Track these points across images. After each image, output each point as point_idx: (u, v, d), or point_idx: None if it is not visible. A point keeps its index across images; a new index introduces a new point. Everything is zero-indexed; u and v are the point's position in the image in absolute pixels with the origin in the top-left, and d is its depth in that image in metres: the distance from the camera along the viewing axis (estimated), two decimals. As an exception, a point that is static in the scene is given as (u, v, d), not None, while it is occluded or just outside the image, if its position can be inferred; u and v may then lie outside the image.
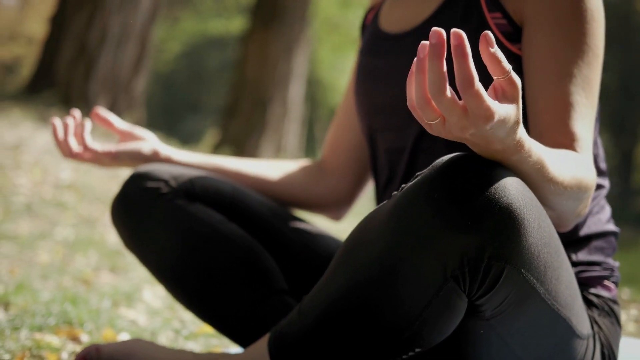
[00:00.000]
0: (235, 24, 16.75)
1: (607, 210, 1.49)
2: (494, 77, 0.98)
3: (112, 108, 7.25)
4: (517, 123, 1.02)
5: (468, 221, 1.06)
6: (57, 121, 1.54)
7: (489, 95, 0.98)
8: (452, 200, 1.06)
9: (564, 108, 1.32)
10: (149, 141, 1.58)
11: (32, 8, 21.38)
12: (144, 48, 7.65)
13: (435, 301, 1.12)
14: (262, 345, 1.29)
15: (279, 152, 8.82)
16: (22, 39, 20.50)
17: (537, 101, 1.34)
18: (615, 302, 1.44)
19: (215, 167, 1.60)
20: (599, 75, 1.37)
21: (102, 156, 1.53)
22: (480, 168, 1.07)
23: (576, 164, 1.24)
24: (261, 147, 8.66)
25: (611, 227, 1.47)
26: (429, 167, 1.11)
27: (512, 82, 0.98)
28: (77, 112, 1.57)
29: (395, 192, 1.15)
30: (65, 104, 6.87)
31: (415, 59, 0.95)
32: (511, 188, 1.07)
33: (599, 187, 1.47)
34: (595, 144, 1.46)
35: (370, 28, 1.62)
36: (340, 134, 1.69)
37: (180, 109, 23.09)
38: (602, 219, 1.46)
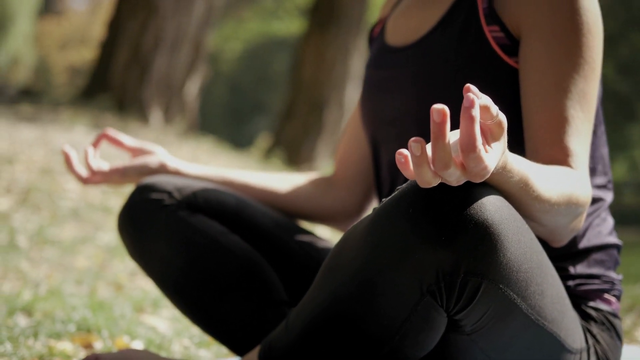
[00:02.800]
0: (296, 26, 16.85)
1: (609, 223, 1.48)
2: (483, 121, 0.97)
3: (166, 112, 7.35)
4: (502, 154, 1.01)
5: (442, 236, 1.06)
6: (69, 150, 1.58)
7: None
8: (427, 215, 1.06)
9: (559, 123, 1.31)
10: (157, 155, 1.61)
11: (102, 12, 21.81)
12: (197, 52, 7.73)
13: (414, 316, 1.12)
14: (253, 357, 1.31)
15: (335, 155, 8.84)
16: (92, 43, 20.93)
17: (532, 115, 1.34)
18: (615, 315, 1.42)
19: (224, 180, 1.62)
20: (596, 89, 1.36)
21: (111, 175, 1.57)
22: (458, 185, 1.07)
23: (567, 180, 1.23)
24: (317, 150, 8.69)
25: (613, 239, 1.46)
26: (407, 182, 1.11)
27: (500, 124, 0.97)
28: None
29: (375, 207, 1.16)
30: (120, 108, 6.98)
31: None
32: (488, 204, 1.07)
33: (599, 200, 1.45)
34: (593, 157, 1.45)
35: (377, 41, 1.63)
36: (349, 147, 1.70)
37: (245, 111, 23.31)
38: (602, 232, 1.45)
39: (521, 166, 1.10)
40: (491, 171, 0.95)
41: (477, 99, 0.92)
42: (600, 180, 1.47)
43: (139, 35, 7.29)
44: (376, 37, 1.65)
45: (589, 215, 1.43)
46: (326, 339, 1.18)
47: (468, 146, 0.91)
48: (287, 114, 9.05)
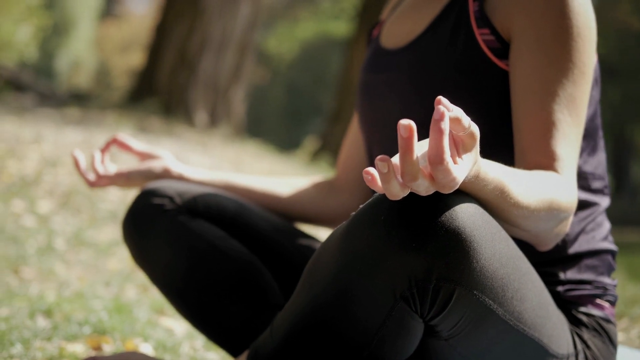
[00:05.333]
0: (351, 27, 16.86)
1: (605, 228, 1.46)
2: (455, 133, 0.98)
3: (212, 115, 7.39)
4: (474, 164, 1.02)
5: (413, 243, 1.06)
6: (78, 154, 1.63)
7: (449, 147, 0.98)
8: (398, 222, 1.07)
9: (546, 127, 1.31)
10: (162, 160, 1.64)
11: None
12: (243, 55, 7.77)
13: (389, 321, 1.13)
14: (242, 360, 1.33)
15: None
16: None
17: (520, 119, 1.34)
18: (608, 321, 1.42)
19: (227, 184, 1.64)
20: (586, 93, 1.34)
21: (116, 179, 1.62)
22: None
23: (547, 186, 1.23)
24: (364, 153, 8.67)
25: (607, 245, 1.45)
26: None
27: (472, 136, 0.97)
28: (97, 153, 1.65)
29: (353, 213, 1.17)
30: (166, 111, 7.03)
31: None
32: (460, 211, 1.07)
33: (594, 204, 1.45)
34: (589, 161, 1.44)
35: (373, 43, 1.64)
36: (351, 150, 1.71)
37: (303, 112, 23.38)
38: (596, 237, 1.44)
39: (496, 174, 1.10)
40: (460, 182, 0.95)
41: (448, 111, 0.92)
42: (597, 184, 1.46)
43: (186, 38, 7.36)
44: (374, 39, 1.66)
45: (582, 219, 1.42)
46: (307, 344, 1.19)
47: (436, 158, 0.92)
48: (335, 116, 9.04)
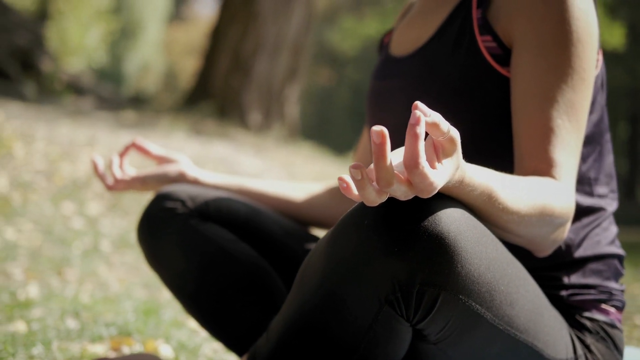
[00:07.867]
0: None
1: (612, 232, 1.45)
2: (434, 138, 0.98)
3: (266, 117, 7.42)
4: (456, 169, 1.02)
5: (395, 247, 1.06)
6: (97, 159, 1.66)
7: (428, 151, 0.98)
8: (380, 227, 1.07)
9: (545, 133, 1.30)
10: (178, 164, 1.67)
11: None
12: (297, 57, 7.78)
13: (376, 325, 1.14)
14: (242, 363, 1.36)
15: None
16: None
17: (520, 125, 1.33)
18: (613, 326, 1.40)
19: (241, 189, 1.67)
20: (585, 99, 1.34)
21: (132, 183, 1.65)
22: (414, 197, 1.08)
23: (540, 191, 1.22)
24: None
25: (613, 249, 1.43)
26: None
27: (452, 140, 0.97)
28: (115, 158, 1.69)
29: (341, 217, 1.18)
30: (220, 114, 7.08)
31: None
32: (443, 216, 1.07)
33: (600, 209, 1.43)
34: (595, 166, 1.43)
35: (384, 51, 1.64)
36: (363, 158, 1.72)
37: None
38: (602, 242, 1.42)
39: (483, 179, 1.10)
40: (438, 187, 0.95)
41: (425, 116, 0.93)
42: (602, 189, 1.44)
43: (240, 41, 7.40)
44: (384, 47, 1.67)
45: (586, 225, 1.41)
46: (299, 348, 1.21)
47: (411, 162, 0.92)
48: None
